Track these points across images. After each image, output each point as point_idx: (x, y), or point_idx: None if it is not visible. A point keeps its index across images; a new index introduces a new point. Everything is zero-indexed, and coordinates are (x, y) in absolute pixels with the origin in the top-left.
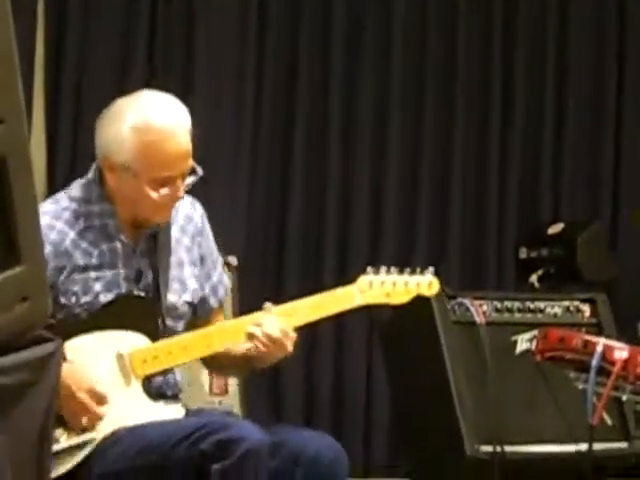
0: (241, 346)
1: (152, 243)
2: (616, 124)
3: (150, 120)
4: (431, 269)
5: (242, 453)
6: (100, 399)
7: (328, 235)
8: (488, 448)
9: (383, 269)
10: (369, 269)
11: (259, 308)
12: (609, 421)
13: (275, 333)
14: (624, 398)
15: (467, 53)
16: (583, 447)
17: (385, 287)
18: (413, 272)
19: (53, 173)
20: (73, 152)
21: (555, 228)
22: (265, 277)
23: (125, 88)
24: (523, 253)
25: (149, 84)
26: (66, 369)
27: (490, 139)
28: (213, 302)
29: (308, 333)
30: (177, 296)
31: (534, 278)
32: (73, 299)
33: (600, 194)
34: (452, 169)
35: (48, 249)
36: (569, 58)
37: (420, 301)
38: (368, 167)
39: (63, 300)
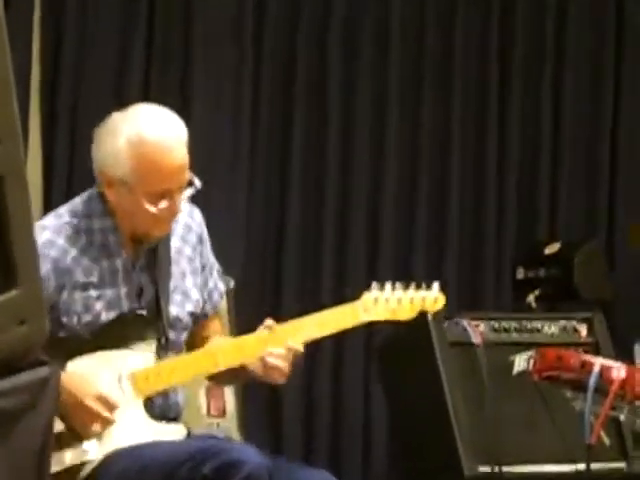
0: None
1: (152, 257)
2: (612, 143)
3: (145, 134)
4: (436, 285)
5: (243, 477)
6: (109, 404)
7: (326, 240)
8: (486, 468)
9: (388, 285)
10: (374, 285)
11: (258, 322)
12: (607, 441)
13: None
14: (622, 418)
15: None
16: (581, 467)
17: (390, 304)
18: (418, 287)
19: (49, 192)
20: (70, 170)
21: (552, 248)
22: (263, 280)
23: (122, 94)
24: (520, 273)
25: (146, 88)
26: (69, 378)
27: (487, 158)
28: (208, 308)
29: (307, 354)
30: (180, 307)
31: (531, 298)
32: (75, 319)
33: (596, 214)
34: (449, 186)
35: (48, 266)
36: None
37: (417, 322)
38: (365, 180)
39: (65, 320)
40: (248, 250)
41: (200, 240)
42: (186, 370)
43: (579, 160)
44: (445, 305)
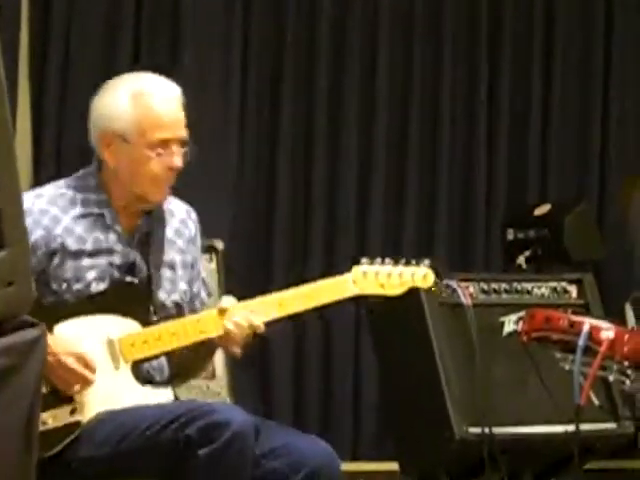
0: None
1: (146, 240)
2: (603, 105)
3: (145, 87)
4: (427, 261)
5: (228, 437)
6: (87, 363)
7: (316, 211)
8: (476, 430)
9: (378, 260)
10: (363, 259)
11: (245, 291)
12: (596, 402)
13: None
14: (611, 378)
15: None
16: (570, 428)
17: (379, 278)
18: (408, 263)
19: (39, 158)
20: (58, 140)
21: (542, 209)
22: (251, 257)
23: (112, 61)
24: (510, 234)
25: (136, 55)
26: (52, 340)
27: (477, 121)
28: (186, 312)
29: (297, 316)
30: (167, 295)
31: (521, 259)
32: (64, 285)
33: (587, 175)
34: (439, 151)
35: (40, 234)
36: (557, 31)
37: None
38: (355, 148)
39: (54, 286)
40: (237, 214)
41: (193, 240)
42: (172, 338)
43: (570, 121)
44: (435, 282)
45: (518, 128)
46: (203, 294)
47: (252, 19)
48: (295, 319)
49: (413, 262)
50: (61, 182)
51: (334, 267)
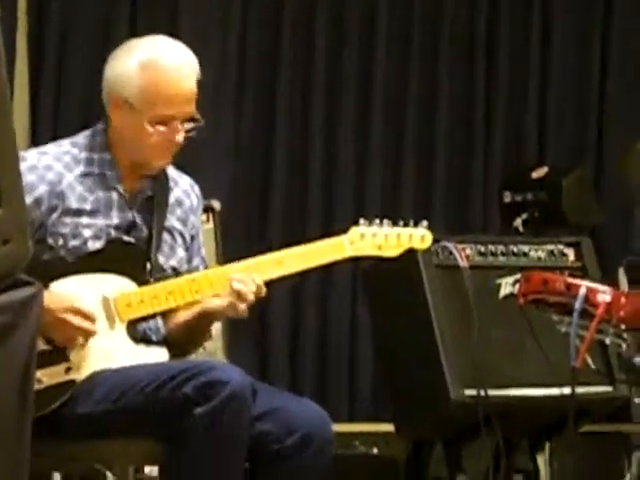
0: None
1: (148, 203)
2: (602, 67)
3: (158, 58)
4: (425, 222)
5: (226, 396)
6: (86, 315)
7: (314, 171)
8: (472, 392)
9: (376, 221)
10: (361, 221)
11: (242, 253)
12: (592, 365)
13: (255, 291)
14: (607, 341)
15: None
16: (566, 390)
17: (377, 239)
18: (406, 225)
19: (35, 118)
20: (56, 97)
21: (539, 172)
22: (249, 219)
23: (110, 25)
24: (507, 197)
25: (133, 20)
26: (49, 297)
27: (476, 79)
28: None
29: (294, 281)
30: (165, 259)
31: (518, 222)
32: (60, 241)
33: (585, 138)
34: (438, 112)
35: (44, 189)
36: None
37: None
38: (353, 108)
39: (50, 241)
40: (235, 174)
41: (194, 211)
42: (168, 298)
43: (568, 84)
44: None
45: (516, 91)
46: (202, 268)
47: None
48: (290, 279)
49: (411, 223)
50: (66, 140)
51: (332, 229)
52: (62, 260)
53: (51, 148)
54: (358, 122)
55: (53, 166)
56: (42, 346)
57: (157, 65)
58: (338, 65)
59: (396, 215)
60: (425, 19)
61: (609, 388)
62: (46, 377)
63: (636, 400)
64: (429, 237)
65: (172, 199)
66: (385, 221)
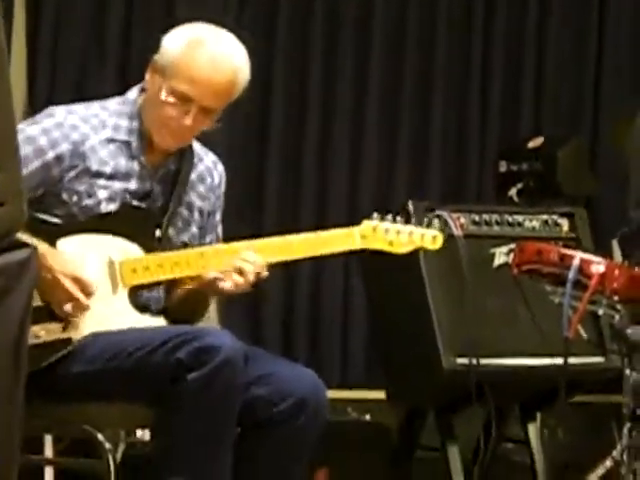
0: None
1: (170, 176)
2: (598, 39)
3: (211, 40)
4: (437, 223)
5: (219, 362)
6: (85, 287)
7: (310, 139)
8: (464, 361)
9: (389, 216)
10: (375, 215)
11: (242, 231)
12: (585, 335)
13: (260, 271)
14: (600, 312)
15: None
16: (559, 361)
17: (389, 235)
18: (419, 224)
19: (33, 88)
20: (53, 65)
21: (535, 142)
22: (244, 189)
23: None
24: (503, 167)
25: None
26: (53, 255)
27: (471, 54)
28: None
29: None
30: (176, 232)
31: (513, 192)
32: (75, 198)
33: (581, 109)
34: (433, 82)
35: (67, 147)
36: None
37: (399, 213)
38: (348, 80)
39: (65, 197)
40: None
41: (215, 189)
42: (174, 268)
43: (564, 53)
44: (425, 198)
45: (512, 60)
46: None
47: None
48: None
49: (425, 222)
50: (96, 103)
51: (328, 201)
52: (73, 218)
53: (80, 108)
54: (353, 91)
55: (79, 126)
56: (39, 302)
57: (203, 45)
58: (335, 37)
59: (391, 182)
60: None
61: (601, 359)
62: (44, 331)
63: (627, 371)
64: (440, 239)
65: (195, 175)
66: (398, 218)
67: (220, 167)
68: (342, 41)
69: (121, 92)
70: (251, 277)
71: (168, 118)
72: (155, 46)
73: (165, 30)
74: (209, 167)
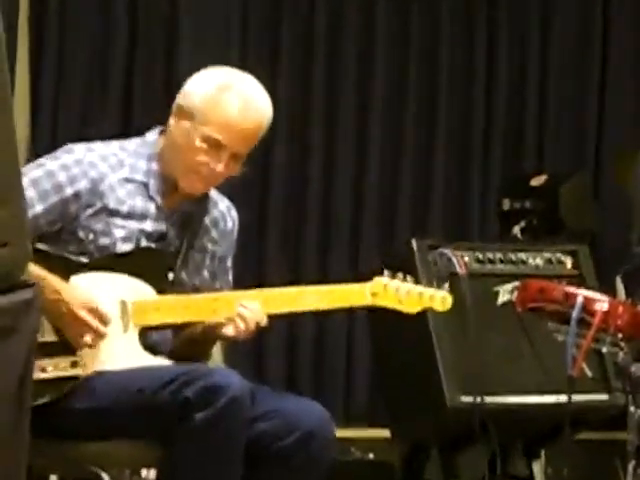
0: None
1: (184, 220)
2: (601, 76)
3: (238, 86)
4: (446, 285)
5: (226, 401)
6: (101, 316)
7: (312, 177)
8: (469, 398)
9: (399, 275)
10: (386, 272)
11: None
12: (589, 373)
13: (259, 321)
14: (604, 350)
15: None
16: (563, 398)
17: (399, 294)
18: (429, 284)
19: (36, 112)
20: (56, 98)
21: (538, 180)
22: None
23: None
24: (506, 204)
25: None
26: (67, 289)
27: (474, 90)
28: None
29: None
30: (189, 276)
31: (517, 229)
32: (91, 236)
33: (584, 146)
34: (437, 118)
35: (85, 185)
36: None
37: (403, 251)
38: (352, 115)
39: (81, 234)
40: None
41: (228, 234)
42: (184, 311)
43: (567, 91)
44: (429, 235)
45: (515, 97)
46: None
47: None
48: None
49: (434, 284)
50: (115, 143)
51: (330, 242)
52: (88, 255)
53: (99, 146)
54: (356, 127)
55: (97, 164)
56: (52, 336)
57: (234, 93)
58: (337, 57)
59: (394, 218)
60: (423, 25)
61: (605, 396)
62: (52, 366)
63: (632, 409)
64: (449, 301)
65: (208, 219)
66: (408, 277)
67: (234, 213)
68: (343, 94)
69: (124, 127)
70: (251, 324)
71: (200, 164)
72: (159, 80)
73: (168, 65)
74: (223, 212)
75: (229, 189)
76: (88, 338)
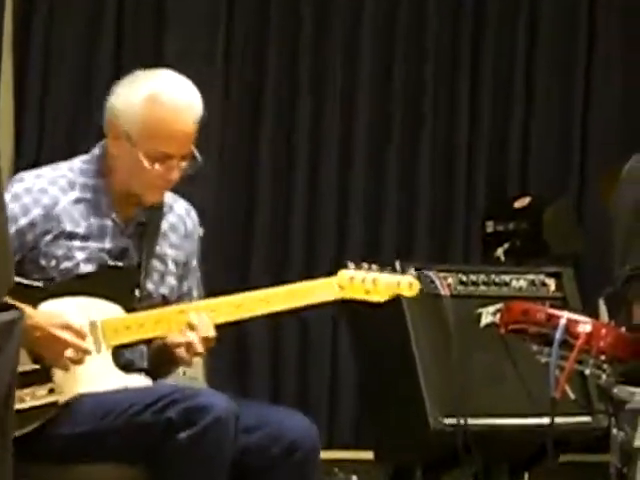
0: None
1: (141, 230)
2: (584, 99)
3: (162, 94)
4: (412, 270)
5: (209, 422)
6: (78, 332)
7: (296, 202)
8: (452, 421)
9: (364, 265)
10: (350, 264)
11: (225, 284)
12: (572, 395)
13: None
14: (587, 372)
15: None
16: (546, 420)
17: (366, 284)
18: (393, 271)
19: (20, 137)
20: (41, 118)
21: (522, 202)
22: (231, 241)
23: (96, 21)
24: (490, 227)
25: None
26: (38, 315)
27: (458, 112)
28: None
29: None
30: (155, 286)
31: (500, 252)
32: (53, 262)
33: (567, 168)
34: (420, 141)
35: (39, 212)
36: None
37: None
38: (336, 133)
39: (43, 262)
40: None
41: (189, 236)
42: (155, 326)
43: (551, 113)
44: (412, 258)
45: (499, 120)
46: (195, 294)
47: None
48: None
49: (399, 269)
50: (64, 164)
51: (314, 257)
52: (52, 281)
53: (47, 171)
54: (340, 149)
55: (48, 190)
56: (27, 366)
57: (159, 102)
58: (322, 71)
59: (378, 241)
60: (409, 40)
61: (588, 418)
62: (29, 396)
63: (614, 431)
64: (417, 285)
65: (166, 225)
66: (373, 266)
67: (193, 214)
68: (327, 113)
69: None
70: (199, 348)
71: (155, 178)
72: None
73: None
74: (181, 215)
75: (216, 194)
76: (69, 352)
